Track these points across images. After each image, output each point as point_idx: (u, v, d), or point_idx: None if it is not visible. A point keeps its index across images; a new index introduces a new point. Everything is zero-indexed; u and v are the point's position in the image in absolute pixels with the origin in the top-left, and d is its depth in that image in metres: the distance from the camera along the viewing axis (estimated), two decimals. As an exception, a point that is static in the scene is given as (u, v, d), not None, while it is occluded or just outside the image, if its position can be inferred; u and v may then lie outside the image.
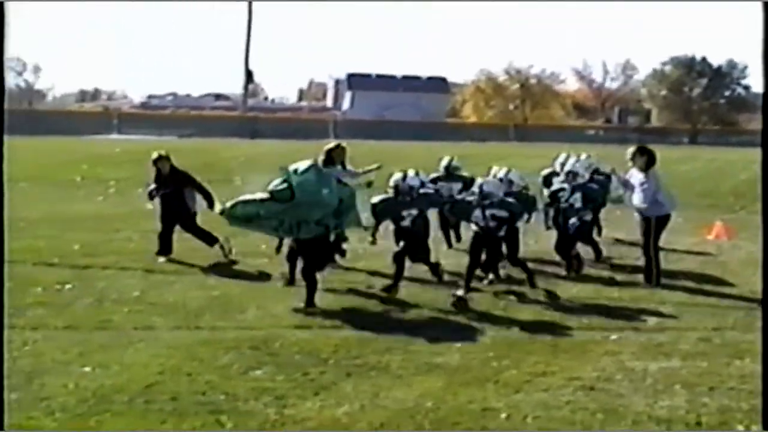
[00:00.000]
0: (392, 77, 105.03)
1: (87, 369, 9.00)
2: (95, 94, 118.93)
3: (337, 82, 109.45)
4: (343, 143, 15.56)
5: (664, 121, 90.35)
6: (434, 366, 9.31)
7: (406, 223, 13.00)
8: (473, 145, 51.21)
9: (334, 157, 14.91)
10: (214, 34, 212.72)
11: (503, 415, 7.82)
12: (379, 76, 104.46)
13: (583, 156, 16.45)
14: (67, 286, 13.04)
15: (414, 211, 12.99)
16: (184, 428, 7.38)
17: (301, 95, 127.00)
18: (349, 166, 15.36)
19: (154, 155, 15.45)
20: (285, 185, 11.84)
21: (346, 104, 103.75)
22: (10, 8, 6.95)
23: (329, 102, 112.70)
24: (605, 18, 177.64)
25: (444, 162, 17.12)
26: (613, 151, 25.50)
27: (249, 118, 74.86)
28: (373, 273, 13.88)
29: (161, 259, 14.83)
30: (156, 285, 12.94)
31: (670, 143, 59.15)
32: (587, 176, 15.34)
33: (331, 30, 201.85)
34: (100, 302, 11.96)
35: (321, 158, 14.65)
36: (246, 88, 79.96)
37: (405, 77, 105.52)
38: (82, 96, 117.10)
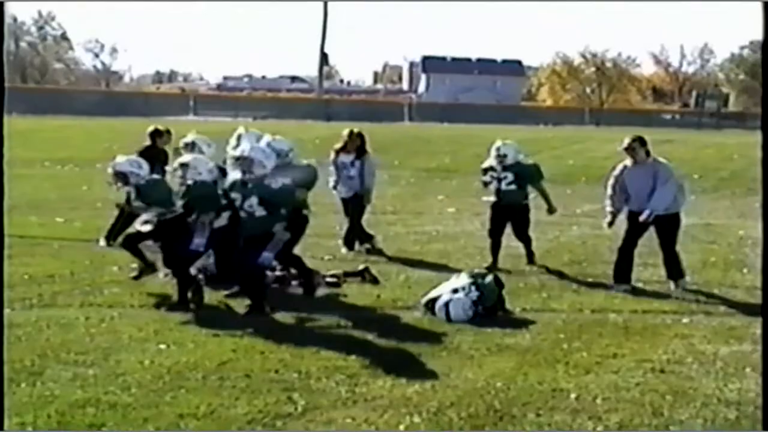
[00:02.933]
0: (467, 60, 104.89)
1: (162, 346, 9.19)
2: (171, 76, 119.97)
3: (412, 65, 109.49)
4: (356, 129, 15.25)
5: (742, 106, 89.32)
6: (505, 347, 9.38)
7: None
8: (548, 129, 50.99)
9: (347, 144, 14.88)
10: (290, 16, 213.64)
11: (573, 396, 7.87)
12: (454, 59, 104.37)
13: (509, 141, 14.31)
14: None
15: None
16: (257, 405, 7.51)
17: (377, 78, 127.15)
18: (371, 155, 15.17)
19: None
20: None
21: (422, 87, 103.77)
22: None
23: (405, 85, 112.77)
24: (683, 2, 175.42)
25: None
26: (690, 135, 25.35)
27: (324, 100, 75.23)
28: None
29: None
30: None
31: (748, 128, 58.34)
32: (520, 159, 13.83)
33: (406, 13, 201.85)
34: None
35: (338, 145, 14.87)
36: (321, 70, 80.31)
37: (480, 60, 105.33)
38: (159, 77, 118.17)
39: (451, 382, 8.22)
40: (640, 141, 12.27)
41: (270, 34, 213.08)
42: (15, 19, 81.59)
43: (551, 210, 13.95)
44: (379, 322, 10.28)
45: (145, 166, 11.65)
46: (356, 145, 14.83)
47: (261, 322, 10.12)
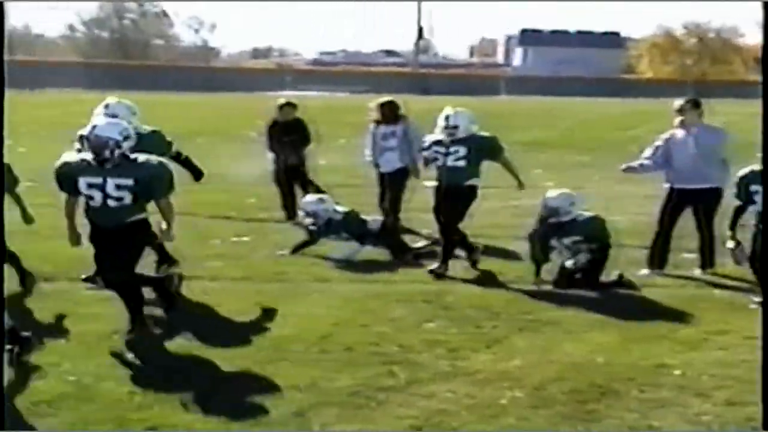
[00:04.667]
0: (565, 32, 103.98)
1: (267, 323, 9.29)
2: (268, 51, 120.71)
3: (509, 38, 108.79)
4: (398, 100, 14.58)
5: None
6: (607, 322, 9.30)
7: None
8: (649, 102, 50.37)
9: (386, 113, 14.11)
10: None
11: (677, 372, 7.77)
12: (552, 32, 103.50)
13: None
14: (244, 239, 13.43)
15: None
16: (358, 378, 7.54)
17: (472, 52, 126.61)
18: (411, 119, 14.28)
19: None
20: None
21: (517, 60, 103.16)
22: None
23: (500, 58, 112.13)
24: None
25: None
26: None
27: (420, 74, 75.16)
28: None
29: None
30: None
31: None
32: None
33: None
34: (275, 255, 12.28)
35: (375, 115, 14.15)
36: (417, 44, 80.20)
37: (579, 32, 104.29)
38: (255, 53, 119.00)
39: (552, 357, 8.18)
40: (694, 103, 11.80)
41: (366, 8, 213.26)
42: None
43: (520, 185, 11.86)
44: (478, 296, 10.26)
45: None
46: (391, 114, 14.06)
47: (361, 296, 10.15)
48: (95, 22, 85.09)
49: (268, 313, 9.47)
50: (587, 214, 11.06)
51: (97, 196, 8.50)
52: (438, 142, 11.55)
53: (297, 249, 12.32)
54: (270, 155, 15.37)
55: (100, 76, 65.81)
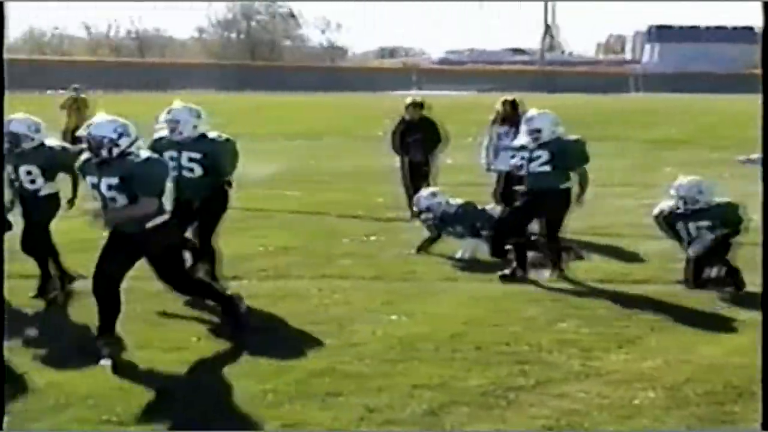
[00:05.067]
0: (696, 28, 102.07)
1: (393, 317, 9.30)
2: (394, 51, 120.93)
3: (637, 34, 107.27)
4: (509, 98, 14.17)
5: None
6: (742, 322, 9.12)
7: None
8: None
9: (507, 111, 13.65)
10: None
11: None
12: (682, 28, 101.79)
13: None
14: (372, 238, 13.49)
15: None
16: (488, 377, 7.52)
17: (599, 49, 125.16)
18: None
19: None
20: None
21: (646, 57, 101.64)
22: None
23: (628, 55, 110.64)
24: None
25: None
26: None
27: (547, 72, 74.68)
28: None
29: None
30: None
31: None
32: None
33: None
34: (404, 254, 12.30)
35: (492, 117, 13.85)
36: (543, 41, 79.67)
37: (710, 28, 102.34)
38: (382, 53, 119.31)
39: (686, 358, 8.05)
40: None
41: (492, 6, 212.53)
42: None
43: (580, 199, 11.24)
44: (610, 296, 10.14)
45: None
46: (512, 112, 13.57)
47: (491, 295, 10.12)
48: (224, 24, 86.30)
49: (398, 312, 9.51)
50: (719, 199, 10.82)
51: (98, 196, 8.28)
52: (522, 148, 11.07)
53: (422, 247, 12.32)
54: (396, 154, 15.43)
55: (229, 76, 66.76)
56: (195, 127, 10.00)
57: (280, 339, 8.62)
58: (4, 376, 6.64)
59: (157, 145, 9.72)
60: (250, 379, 7.49)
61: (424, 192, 12.91)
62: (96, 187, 8.25)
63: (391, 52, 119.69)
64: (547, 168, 10.80)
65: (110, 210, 8.21)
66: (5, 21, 6.59)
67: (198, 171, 9.92)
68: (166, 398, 7.13)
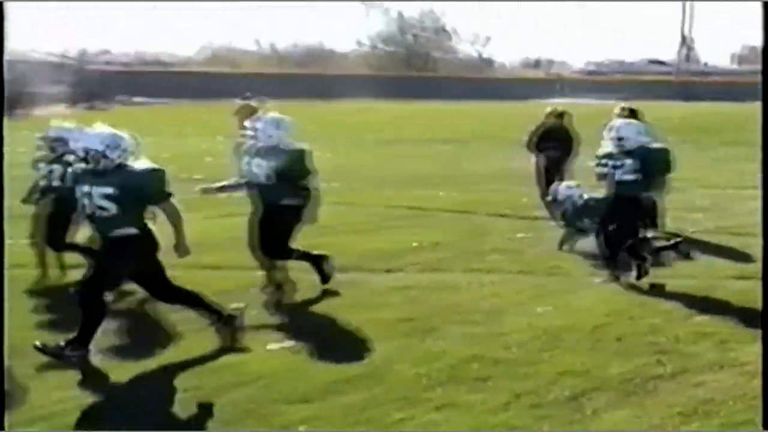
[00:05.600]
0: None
1: (539, 309, 9.25)
2: (539, 62, 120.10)
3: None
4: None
5: None
6: None
7: None
8: None
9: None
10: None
11: None
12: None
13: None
14: (519, 235, 13.44)
15: None
16: (628, 366, 7.42)
17: (734, 59, 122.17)
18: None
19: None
20: None
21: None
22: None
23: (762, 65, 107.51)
24: None
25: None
26: None
27: (683, 82, 73.11)
28: None
29: None
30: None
31: None
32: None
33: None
34: (549, 251, 12.21)
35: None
36: (680, 52, 78.11)
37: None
38: (527, 63, 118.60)
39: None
40: None
41: (632, 18, 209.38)
42: (401, 15, 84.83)
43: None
44: (744, 292, 9.86)
45: None
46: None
47: (630, 292, 9.98)
48: (382, 38, 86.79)
49: (543, 305, 9.45)
50: None
51: (88, 204, 7.85)
52: (608, 155, 10.57)
53: (563, 243, 12.19)
54: (534, 158, 15.37)
55: (386, 86, 67.13)
56: (270, 136, 9.90)
57: (432, 327, 8.63)
58: (3, 376, 6.34)
59: None
60: (405, 364, 7.53)
61: (563, 183, 12.78)
62: (87, 195, 7.78)
63: (536, 63, 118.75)
64: (632, 176, 10.38)
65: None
66: (5, 21, 6.36)
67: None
68: (342, 378, 7.22)
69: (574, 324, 8.68)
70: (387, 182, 19.89)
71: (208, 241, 11.51)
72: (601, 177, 10.75)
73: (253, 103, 25.88)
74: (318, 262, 10.21)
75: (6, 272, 6.78)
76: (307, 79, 72.94)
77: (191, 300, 8.33)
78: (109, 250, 7.84)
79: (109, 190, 7.68)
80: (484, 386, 7.03)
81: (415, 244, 12.64)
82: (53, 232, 10.54)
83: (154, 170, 7.90)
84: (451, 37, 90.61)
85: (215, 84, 59.95)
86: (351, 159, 25.18)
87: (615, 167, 10.41)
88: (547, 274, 10.80)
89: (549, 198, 12.84)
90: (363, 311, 9.18)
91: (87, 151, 7.82)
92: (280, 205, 9.82)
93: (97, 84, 60.25)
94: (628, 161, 10.33)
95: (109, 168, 7.75)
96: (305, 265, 10.20)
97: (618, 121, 10.67)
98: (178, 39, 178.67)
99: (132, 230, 7.76)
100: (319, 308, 9.45)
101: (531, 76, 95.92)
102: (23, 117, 44.87)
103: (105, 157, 7.75)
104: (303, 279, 10.18)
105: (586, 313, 9.08)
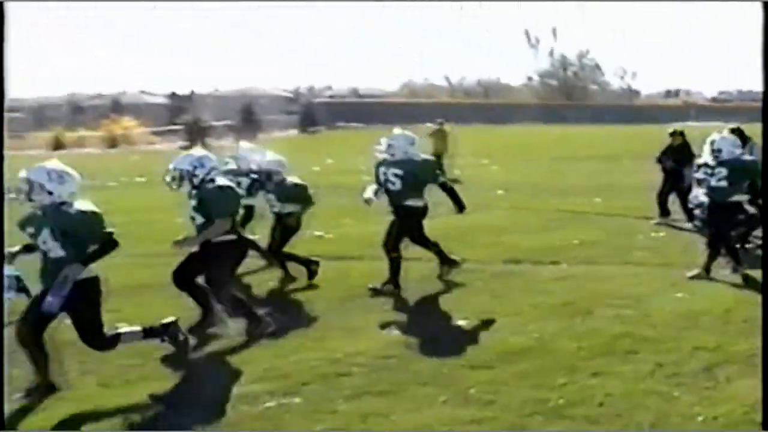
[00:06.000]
0: None
1: (678, 295, 9.01)
2: (677, 92, 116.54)
3: None
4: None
5: None
6: None
7: None
8: None
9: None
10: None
11: None
12: None
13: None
14: (661, 234, 13.17)
15: None
16: (753, 342, 7.03)
17: None
18: (753, 148, 12.13)
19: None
20: None
21: None
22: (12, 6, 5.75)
23: None
24: None
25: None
26: None
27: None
28: None
29: None
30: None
31: None
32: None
33: None
34: (686, 247, 11.84)
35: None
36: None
37: None
38: (667, 93, 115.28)
39: None
40: None
41: (754, 51, 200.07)
42: (563, 55, 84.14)
43: None
44: None
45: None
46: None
47: (756, 280, 9.54)
48: (547, 73, 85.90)
49: (682, 291, 9.18)
50: None
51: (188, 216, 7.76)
52: (705, 165, 10.01)
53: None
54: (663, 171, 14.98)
55: (550, 114, 66.45)
56: (406, 152, 9.50)
57: (589, 310, 8.47)
58: (3, 376, 5.59)
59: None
60: (566, 339, 7.45)
61: (699, 190, 12.34)
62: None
63: (675, 93, 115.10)
64: (724, 183, 9.75)
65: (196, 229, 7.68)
66: (5, 21, 5.49)
67: None
68: (516, 350, 7.21)
69: (707, 308, 8.40)
70: (552, 191, 19.65)
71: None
72: (700, 182, 10.36)
73: (445, 127, 26.13)
74: (443, 257, 9.97)
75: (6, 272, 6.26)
76: (486, 107, 72.89)
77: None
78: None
79: (194, 203, 7.61)
80: (632, 358, 6.90)
81: (576, 242, 12.46)
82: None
83: (232, 188, 7.78)
84: (603, 72, 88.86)
85: (413, 111, 60.42)
86: (521, 173, 24.95)
87: (710, 174, 9.93)
88: (685, 267, 10.42)
89: (690, 205, 12.41)
90: (532, 296, 9.11)
91: (180, 172, 7.65)
92: (405, 205, 9.49)
93: (321, 113, 61.79)
94: (721, 170, 9.78)
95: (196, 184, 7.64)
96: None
97: (716, 136, 10.10)
98: (384, 76, 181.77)
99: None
100: (492, 292, 9.38)
101: (670, 103, 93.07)
102: (263, 141, 46.40)
103: (194, 176, 7.58)
104: (479, 269, 10.21)
105: (717, 299, 8.77)
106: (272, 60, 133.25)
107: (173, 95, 76.27)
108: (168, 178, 7.73)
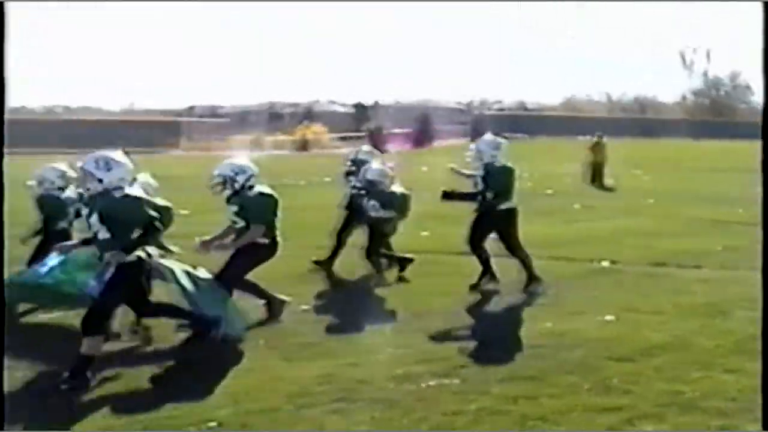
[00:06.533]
0: None
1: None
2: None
3: None
4: None
5: None
6: None
7: None
8: None
9: None
10: None
11: None
12: None
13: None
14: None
15: None
16: None
17: None
18: None
19: None
20: None
21: None
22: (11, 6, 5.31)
23: None
24: None
25: None
26: None
27: None
28: None
29: None
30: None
31: None
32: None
33: None
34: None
35: None
36: None
37: None
38: None
39: None
40: None
41: None
42: (717, 76, 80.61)
43: None
44: None
45: None
46: None
47: None
48: (700, 92, 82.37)
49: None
50: None
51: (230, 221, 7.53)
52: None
53: None
54: None
55: (699, 129, 63.85)
56: (493, 156, 8.89)
57: (725, 311, 8.04)
58: (3, 376, 5.22)
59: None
60: (703, 337, 7.16)
61: None
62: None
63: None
64: None
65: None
66: (5, 21, 5.05)
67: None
68: (656, 345, 7.02)
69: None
70: (698, 200, 18.88)
71: (560, 240, 11.57)
72: None
73: (604, 139, 25.46)
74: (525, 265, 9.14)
75: (6, 272, 6.06)
76: (640, 122, 70.58)
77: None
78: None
79: (234, 209, 7.37)
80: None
81: (718, 248, 11.91)
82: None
83: (269, 195, 7.47)
84: (753, 92, 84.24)
85: (573, 125, 59.16)
86: (670, 183, 24.09)
87: None
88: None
89: None
90: (674, 296, 8.79)
91: (222, 178, 7.40)
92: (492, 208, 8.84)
93: (489, 124, 61.47)
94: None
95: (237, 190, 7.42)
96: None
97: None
98: (546, 91, 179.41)
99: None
100: (638, 291, 9.08)
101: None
102: (431, 148, 46.85)
103: (235, 181, 7.37)
104: (627, 270, 9.92)
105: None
106: (448, 74, 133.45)
107: (359, 105, 77.91)
108: (212, 183, 7.46)
